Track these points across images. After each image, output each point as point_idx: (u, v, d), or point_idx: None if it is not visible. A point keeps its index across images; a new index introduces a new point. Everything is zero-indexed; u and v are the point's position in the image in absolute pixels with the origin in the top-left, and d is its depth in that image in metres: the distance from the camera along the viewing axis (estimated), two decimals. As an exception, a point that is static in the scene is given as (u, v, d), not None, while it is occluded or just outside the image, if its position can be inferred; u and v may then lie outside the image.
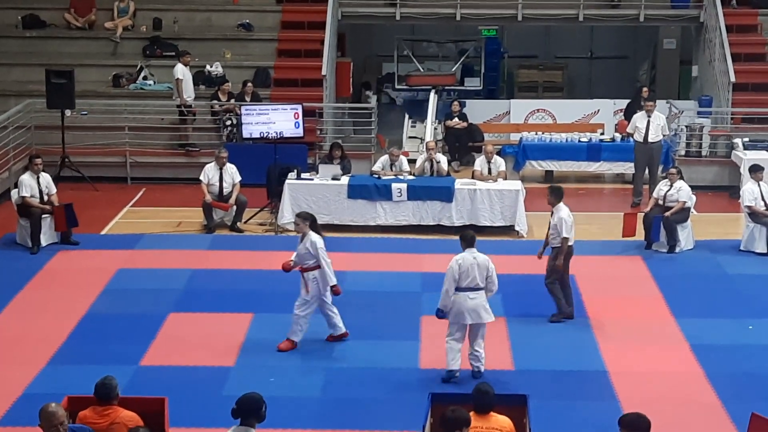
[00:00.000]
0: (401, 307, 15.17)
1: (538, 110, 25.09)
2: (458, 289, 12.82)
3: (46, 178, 17.93)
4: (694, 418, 12.03)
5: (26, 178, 17.76)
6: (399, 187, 18.77)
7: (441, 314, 12.96)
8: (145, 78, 23.72)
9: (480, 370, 12.94)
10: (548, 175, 22.60)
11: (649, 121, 20.40)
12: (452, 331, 12.93)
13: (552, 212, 14.72)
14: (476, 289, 12.86)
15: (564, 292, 14.89)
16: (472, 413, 9.23)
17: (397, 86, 26.99)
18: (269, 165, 19.55)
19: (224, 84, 22.60)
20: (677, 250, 17.72)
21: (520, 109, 25.22)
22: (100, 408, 9.43)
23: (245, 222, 19.01)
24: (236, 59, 24.35)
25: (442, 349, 13.73)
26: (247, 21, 25.14)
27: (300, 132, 19.91)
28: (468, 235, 13.18)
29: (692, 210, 18.17)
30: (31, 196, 17.60)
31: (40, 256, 17.22)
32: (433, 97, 23.92)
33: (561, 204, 14.72)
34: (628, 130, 21.24)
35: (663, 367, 13.42)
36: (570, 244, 14.65)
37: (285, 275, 16.45)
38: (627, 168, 21.85)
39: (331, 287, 13.64)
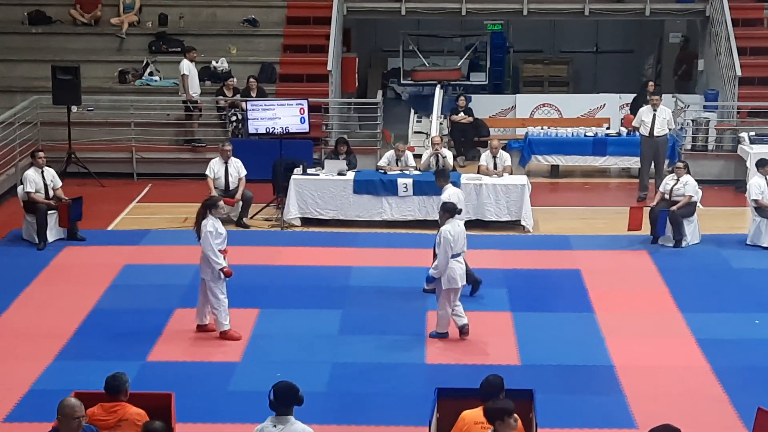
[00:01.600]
0: (407, 302, 15.18)
1: (543, 105, 25.06)
2: (451, 256, 13.66)
3: (50, 172, 17.95)
4: (700, 412, 12.03)
5: (31, 173, 17.78)
6: (405, 182, 18.77)
7: (433, 280, 13.78)
8: (150, 74, 23.74)
9: (466, 323, 13.94)
10: (554, 170, 22.58)
11: (654, 115, 20.39)
12: (449, 298, 13.74)
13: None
14: (461, 254, 13.87)
15: None
16: (480, 407, 9.24)
17: (402, 81, 26.99)
18: (275, 160, 19.56)
19: (230, 80, 22.62)
20: (683, 244, 17.71)
21: (525, 103, 25.19)
22: (108, 405, 9.45)
23: (251, 217, 19.02)
24: (242, 55, 24.36)
25: (449, 344, 13.80)
26: (253, 16, 25.14)
27: (306, 127, 19.92)
28: (450, 205, 13.96)
29: (698, 204, 18.16)
30: (36, 192, 17.61)
31: (47, 252, 17.25)
32: (438, 92, 23.90)
33: (448, 185, 15.55)
34: (634, 123, 21.24)
35: (669, 361, 13.43)
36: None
37: (291, 271, 16.55)
38: (633, 162, 21.84)
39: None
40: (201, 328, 14.10)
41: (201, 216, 13.74)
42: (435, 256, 14.11)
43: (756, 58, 23.94)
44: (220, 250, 13.68)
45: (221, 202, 13.97)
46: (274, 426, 8.73)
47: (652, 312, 15.03)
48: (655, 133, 20.37)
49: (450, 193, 15.30)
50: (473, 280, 15.34)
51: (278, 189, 19.38)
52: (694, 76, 26.39)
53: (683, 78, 26.85)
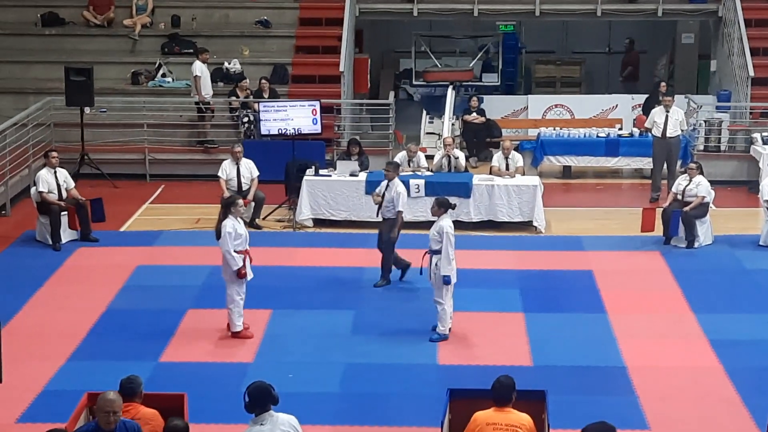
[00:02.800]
0: (419, 303, 15.17)
1: (555, 105, 25.04)
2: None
3: (63, 173, 18.01)
4: (713, 413, 12.02)
5: (44, 173, 17.83)
6: (417, 183, 18.77)
7: (449, 280, 13.74)
8: (163, 75, 23.79)
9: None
10: (566, 171, 22.57)
11: (667, 116, 20.36)
12: (447, 292, 13.78)
13: (388, 186, 15.88)
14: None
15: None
16: (492, 408, 9.25)
17: (414, 82, 26.99)
18: (287, 161, 19.59)
19: (242, 81, 22.66)
20: (696, 245, 17.68)
21: (537, 104, 25.18)
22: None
23: (263, 218, 19.06)
24: (254, 56, 24.39)
25: (461, 344, 13.81)
26: (265, 18, 25.17)
27: (318, 128, 19.94)
28: (443, 200, 14.12)
29: (711, 205, 18.12)
30: (49, 192, 17.66)
31: (60, 252, 17.29)
32: (450, 93, 23.91)
33: (397, 179, 15.96)
34: (646, 125, 21.21)
35: (682, 362, 13.41)
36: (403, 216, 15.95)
37: (303, 272, 16.58)
38: (645, 163, 21.82)
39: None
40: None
41: (222, 216, 13.80)
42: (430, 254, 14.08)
43: (769, 58, 23.90)
44: (239, 251, 13.71)
45: (240, 201, 14.04)
46: (261, 425, 8.73)
47: (665, 313, 15.02)
48: (668, 134, 20.33)
49: (399, 191, 15.79)
50: (404, 265, 15.98)
51: (290, 190, 19.41)
52: (639, 77, 27.22)
53: (628, 79, 27.21)
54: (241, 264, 13.72)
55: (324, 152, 20.96)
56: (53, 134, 21.87)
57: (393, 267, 16.08)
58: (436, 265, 13.84)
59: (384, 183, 16.10)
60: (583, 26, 29.17)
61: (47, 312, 14.94)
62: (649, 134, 21.02)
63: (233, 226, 13.70)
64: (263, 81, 22.49)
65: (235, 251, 13.68)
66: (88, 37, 24.90)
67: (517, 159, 19.50)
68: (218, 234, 13.79)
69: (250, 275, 13.89)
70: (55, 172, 17.85)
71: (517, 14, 25.96)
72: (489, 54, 27.23)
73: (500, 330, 14.33)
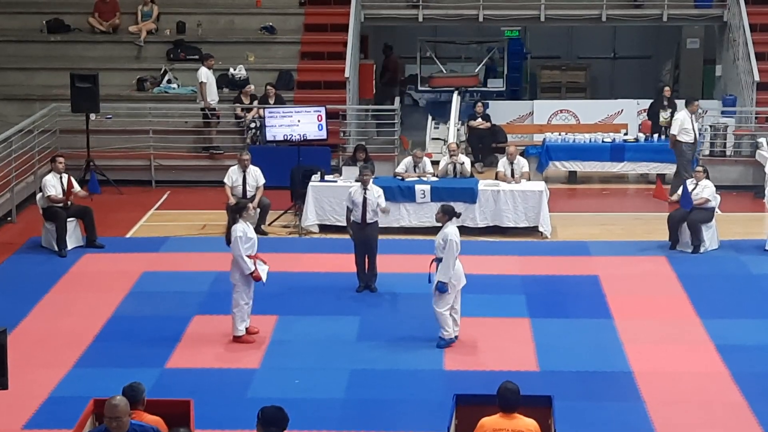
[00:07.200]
0: (425, 308, 15.13)
1: (561, 111, 25.03)
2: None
3: (68, 178, 18.03)
4: (719, 419, 12.00)
5: (49, 178, 17.86)
6: (422, 189, 18.78)
7: (445, 288, 13.64)
8: (169, 81, 23.82)
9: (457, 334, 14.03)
10: (572, 176, 22.56)
11: (691, 120, 20.21)
12: (450, 300, 13.72)
13: (366, 190, 16.00)
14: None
15: None
16: (498, 414, 9.25)
17: (420, 88, 27.01)
18: (293, 167, 19.60)
19: (247, 86, 22.68)
20: (702, 250, 17.66)
21: (543, 109, 25.16)
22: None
23: (269, 224, 19.06)
24: (259, 62, 24.41)
25: (467, 350, 13.79)
26: (270, 24, 25.19)
27: (323, 134, 19.96)
28: (449, 207, 14.11)
29: (717, 210, 18.10)
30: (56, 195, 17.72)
31: (66, 259, 17.30)
32: (456, 99, 23.91)
33: (371, 182, 16.24)
34: (673, 131, 20.59)
35: (688, 367, 13.39)
36: None
37: (309, 278, 16.58)
38: (651, 168, 21.81)
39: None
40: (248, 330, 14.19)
41: (231, 221, 13.83)
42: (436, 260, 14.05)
43: (774, 63, 23.87)
44: (249, 255, 13.73)
45: (250, 205, 14.10)
46: None
47: (671, 318, 15.00)
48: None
49: (378, 189, 16.04)
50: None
51: (296, 196, 19.42)
52: (398, 81, 27.60)
53: (388, 84, 27.29)
54: (253, 268, 13.76)
55: (329, 158, 20.98)
56: (59, 141, 21.89)
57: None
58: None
59: (359, 188, 16.08)
60: (588, 31, 29.17)
61: (53, 318, 14.95)
62: (655, 139, 20.87)
63: (243, 230, 13.75)
64: (269, 87, 22.51)
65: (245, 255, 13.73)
66: (93, 43, 24.92)
67: (523, 164, 19.49)
68: (228, 239, 13.81)
69: (264, 277, 13.89)
70: (61, 178, 17.88)
71: (522, 20, 25.98)
72: (494, 59, 27.24)
73: (506, 335, 14.32)
